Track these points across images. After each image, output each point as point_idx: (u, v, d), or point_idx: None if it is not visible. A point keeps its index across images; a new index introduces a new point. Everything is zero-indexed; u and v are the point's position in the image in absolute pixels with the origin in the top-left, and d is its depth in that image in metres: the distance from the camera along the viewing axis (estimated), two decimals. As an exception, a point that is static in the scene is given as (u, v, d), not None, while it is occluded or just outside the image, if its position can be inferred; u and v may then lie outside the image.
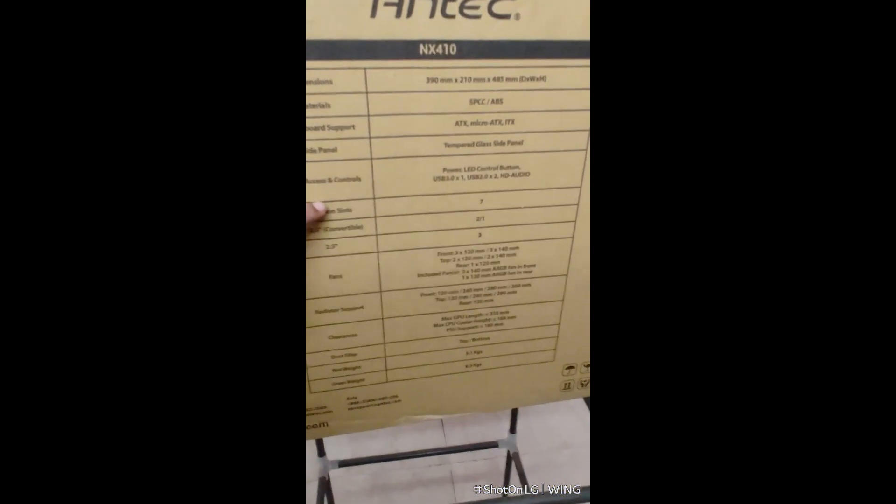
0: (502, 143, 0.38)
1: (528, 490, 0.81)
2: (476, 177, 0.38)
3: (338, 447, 1.12)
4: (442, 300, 0.43)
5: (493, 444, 0.91)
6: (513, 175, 0.39)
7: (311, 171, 0.35)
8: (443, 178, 0.38)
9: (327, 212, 0.37)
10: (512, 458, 0.88)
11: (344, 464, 0.87)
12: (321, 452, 0.83)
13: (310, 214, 0.37)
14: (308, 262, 0.39)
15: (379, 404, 0.47)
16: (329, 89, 0.33)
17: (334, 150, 0.35)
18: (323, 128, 0.34)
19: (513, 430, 0.88)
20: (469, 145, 0.37)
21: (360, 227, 0.38)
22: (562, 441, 1.17)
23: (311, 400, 0.45)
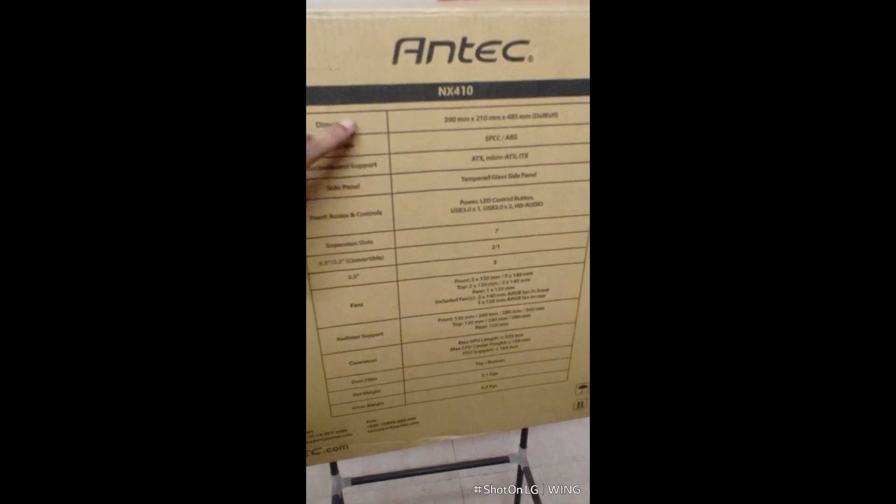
0: (516, 176, 0.39)
1: (538, 499, 0.81)
2: (492, 207, 0.40)
3: (349, 465, 1.12)
4: (459, 325, 0.45)
5: (505, 459, 0.91)
6: (526, 205, 0.41)
7: (335, 206, 0.37)
8: (460, 210, 0.39)
9: (355, 133, 0.35)
10: (523, 473, 0.89)
11: (356, 481, 0.88)
12: (334, 471, 0.84)
13: (338, 133, 0.34)
14: (330, 291, 0.40)
15: (397, 426, 0.48)
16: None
17: (357, 186, 0.37)
18: (346, 166, 0.36)
19: (523, 444, 0.89)
20: (485, 178, 0.39)
21: (380, 258, 0.40)
22: (571, 455, 1.18)
23: (331, 423, 0.47)
